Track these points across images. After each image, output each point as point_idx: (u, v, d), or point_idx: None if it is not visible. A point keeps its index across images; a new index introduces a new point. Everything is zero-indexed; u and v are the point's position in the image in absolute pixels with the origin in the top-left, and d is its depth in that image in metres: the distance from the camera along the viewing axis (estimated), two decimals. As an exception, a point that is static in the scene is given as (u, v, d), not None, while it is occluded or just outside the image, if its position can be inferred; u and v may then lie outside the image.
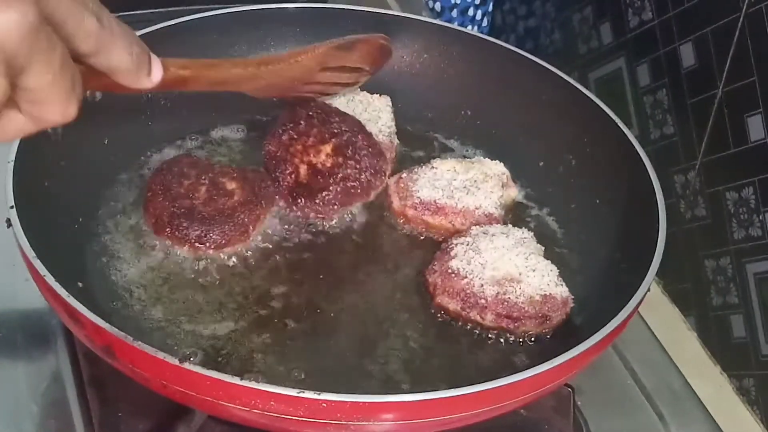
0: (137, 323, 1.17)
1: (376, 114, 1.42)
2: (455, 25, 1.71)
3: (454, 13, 1.94)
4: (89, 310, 1.02)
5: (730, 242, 1.38)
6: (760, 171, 1.32)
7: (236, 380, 0.96)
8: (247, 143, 1.45)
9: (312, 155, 1.32)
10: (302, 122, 1.34)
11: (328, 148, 1.32)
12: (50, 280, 1.04)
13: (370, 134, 1.35)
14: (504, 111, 1.49)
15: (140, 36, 1.33)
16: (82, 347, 1.19)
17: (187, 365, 0.97)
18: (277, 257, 1.28)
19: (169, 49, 1.39)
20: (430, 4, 1.95)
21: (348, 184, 1.31)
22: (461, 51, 1.52)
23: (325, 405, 0.96)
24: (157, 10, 1.62)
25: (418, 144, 1.49)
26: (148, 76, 0.94)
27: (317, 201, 1.30)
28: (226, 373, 0.97)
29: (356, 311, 1.23)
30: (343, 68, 1.36)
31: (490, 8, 1.94)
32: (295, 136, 1.33)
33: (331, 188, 1.30)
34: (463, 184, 1.34)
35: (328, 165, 1.31)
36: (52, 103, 0.80)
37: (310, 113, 1.35)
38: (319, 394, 0.96)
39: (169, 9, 1.58)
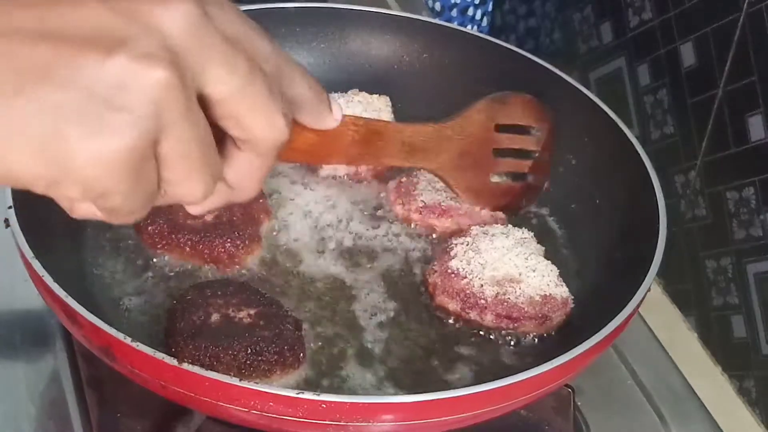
0: (136, 324, 1.17)
1: (375, 114, 1.41)
2: (455, 25, 1.71)
3: (454, 12, 1.94)
4: (87, 311, 1.01)
5: (730, 242, 1.38)
6: (760, 171, 1.32)
7: (235, 381, 0.95)
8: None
9: None
10: None
11: None
12: (48, 280, 1.04)
13: None
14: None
15: None
16: (81, 348, 1.19)
17: (186, 366, 0.96)
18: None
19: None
20: (430, 3, 1.95)
21: None
22: (462, 51, 1.52)
23: (324, 406, 0.95)
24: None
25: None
26: (330, 112, 0.88)
27: None
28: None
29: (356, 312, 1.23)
30: (514, 128, 1.32)
31: (490, 8, 1.94)
32: None
33: None
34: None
35: None
36: (251, 114, 0.74)
37: None
38: (318, 394, 0.95)
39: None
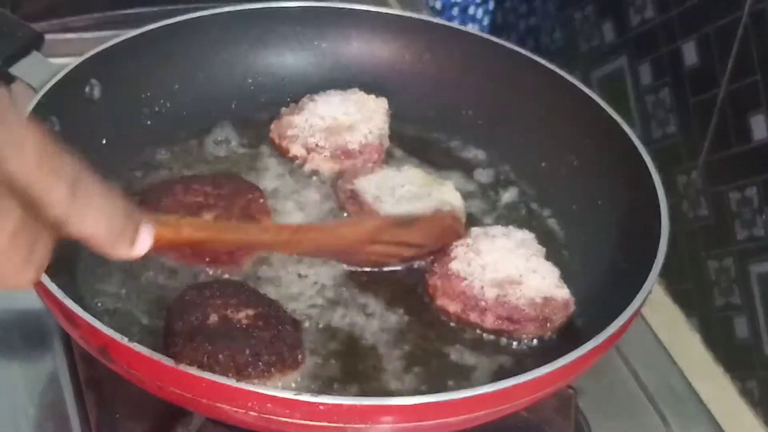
0: (134, 324, 1.16)
1: (368, 115, 1.41)
2: (456, 24, 1.71)
3: (455, 11, 1.94)
4: (84, 311, 1.01)
5: (733, 242, 1.38)
6: (763, 171, 1.32)
7: (232, 382, 0.95)
8: (246, 146, 1.44)
9: None
10: None
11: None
12: (46, 280, 1.04)
13: None
14: (505, 111, 1.48)
15: (140, 34, 1.38)
16: (80, 349, 1.18)
17: (183, 367, 0.96)
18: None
19: (170, 48, 1.42)
20: (431, 2, 1.95)
21: None
22: (463, 50, 1.52)
23: (322, 407, 0.95)
24: (157, 9, 1.61)
25: (419, 144, 1.48)
26: (129, 247, 0.85)
27: None
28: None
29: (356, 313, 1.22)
30: (399, 243, 1.24)
31: (491, 6, 1.94)
32: None
33: None
34: (409, 194, 1.33)
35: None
36: (1, 272, 0.74)
37: None
38: (315, 396, 0.95)
39: (169, 8, 1.57)
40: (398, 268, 1.27)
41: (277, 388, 0.98)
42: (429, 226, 1.26)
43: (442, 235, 1.27)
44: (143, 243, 0.86)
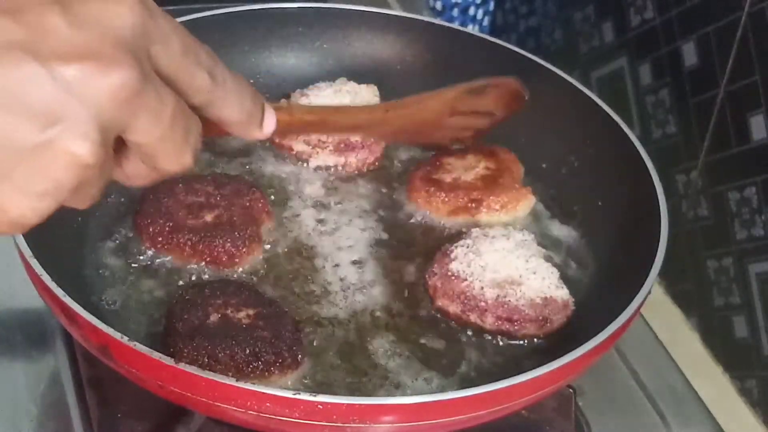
0: (135, 323, 1.16)
1: (362, 103, 1.41)
2: (457, 25, 1.71)
3: (455, 12, 1.94)
4: (85, 310, 1.01)
5: (732, 242, 1.38)
6: (762, 171, 1.32)
7: (232, 381, 0.95)
8: (248, 145, 1.44)
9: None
10: None
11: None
12: (47, 279, 1.04)
13: None
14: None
15: None
16: (81, 348, 1.19)
17: (182, 366, 0.96)
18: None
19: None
20: (431, 2, 1.95)
21: None
22: (464, 51, 1.52)
23: (320, 407, 0.95)
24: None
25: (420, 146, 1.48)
26: (259, 128, 0.92)
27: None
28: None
29: (356, 313, 1.22)
30: (474, 113, 1.33)
31: (491, 7, 1.94)
32: None
33: None
34: None
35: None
36: (164, 156, 0.78)
37: None
38: (314, 395, 0.95)
39: (169, 8, 1.57)
40: (398, 268, 1.28)
41: (276, 388, 0.98)
42: (499, 92, 1.33)
43: (511, 100, 1.34)
44: (270, 124, 0.93)
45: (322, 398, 0.95)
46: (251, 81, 1.41)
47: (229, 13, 1.48)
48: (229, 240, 1.24)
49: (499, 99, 1.34)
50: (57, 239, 1.18)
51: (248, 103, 0.88)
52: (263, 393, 0.95)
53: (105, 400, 1.17)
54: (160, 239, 1.24)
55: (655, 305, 1.43)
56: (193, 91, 0.80)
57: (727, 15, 1.35)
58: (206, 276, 1.23)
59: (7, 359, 1.25)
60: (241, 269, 1.24)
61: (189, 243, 1.23)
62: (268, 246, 1.28)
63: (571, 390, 1.21)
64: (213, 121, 0.86)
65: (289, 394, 0.95)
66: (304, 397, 0.95)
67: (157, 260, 1.24)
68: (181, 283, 1.21)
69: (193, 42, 0.80)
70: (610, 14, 1.58)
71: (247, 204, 1.28)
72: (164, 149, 0.77)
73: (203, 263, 1.24)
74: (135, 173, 0.81)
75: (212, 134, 0.90)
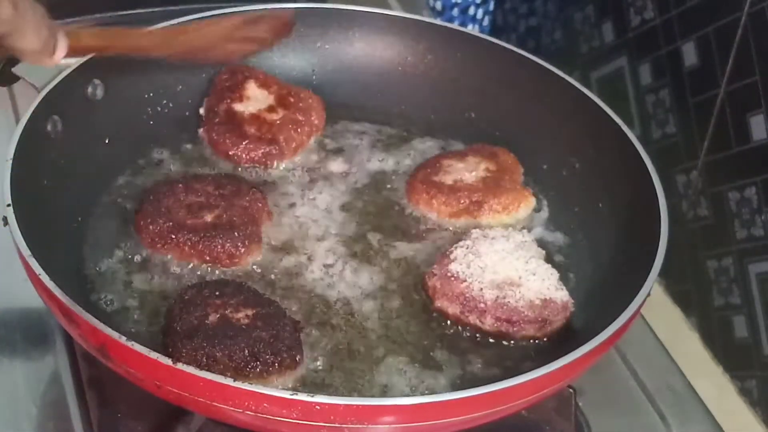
0: (134, 323, 1.16)
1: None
2: (458, 26, 1.71)
3: (455, 12, 1.94)
4: (83, 310, 1.02)
5: (732, 242, 1.38)
6: (762, 171, 1.32)
7: (229, 381, 0.96)
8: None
9: None
10: None
11: None
12: (45, 278, 1.04)
13: None
14: (507, 113, 1.48)
15: None
16: (81, 348, 1.19)
17: (180, 366, 0.96)
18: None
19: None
20: (431, 2, 1.95)
21: None
22: (465, 52, 1.52)
23: (318, 407, 0.95)
24: (159, 10, 1.61)
25: (423, 145, 1.48)
26: (51, 56, 1.04)
27: None
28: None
29: (355, 314, 1.23)
30: (248, 39, 1.40)
31: (491, 7, 1.94)
32: None
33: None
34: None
35: None
36: None
37: None
38: (312, 396, 0.95)
39: (169, 8, 1.57)
40: (398, 268, 1.28)
41: (274, 388, 0.99)
42: (272, 23, 1.42)
43: (281, 29, 1.44)
44: (60, 52, 1.07)
45: (319, 399, 0.95)
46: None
47: (230, 14, 1.47)
48: (228, 240, 1.24)
49: (272, 29, 1.42)
50: (56, 239, 1.18)
51: (45, 33, 0.99)
52: (261, 393, 0.96)
53: (105, 401, 1.17)
54: (159, 239, 1.24)
55: (655, 305, 1.43)
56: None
57: (727, 15, 1.35)
58: (206, 276, 1.23)
59: (7, 359, 1.25)
60: (241, 269, 1.24)
61: (189, 243, 1.23)
62: (268, 246, 1.28)
63: (571, 390, 1.21)
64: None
65: (286, 395, 0.96)
66: (302, 397, 0.95)
67: (157, 260, 1.24)
68: (180, 283, 1.21)
69: None
70: (610, 14, 1.58)
71: (247, 204, 1.28)
72: None
73: (203, 263, 1.24)
74: None
75: None
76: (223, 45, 1.38)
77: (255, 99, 1.44)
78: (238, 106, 1.42)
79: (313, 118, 1.44)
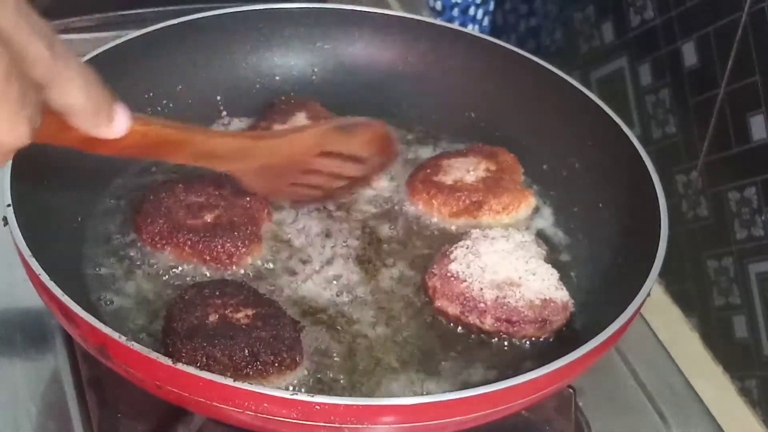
0: (134, 323, 1.16)
1: None
2: (459, 26, 1.71)
3: (455, 12, 1.94)
4: (83, 310, 1.01)
5: (732, 242, 1.38)
6: (762, 171, 1.32)
7: (229, 381, 0.95)
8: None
9: None
10: None
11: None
12: (45, 278, 1.04)
13: None
14: (508, 113, 1.48)
15: (143, 35, 1.38)
16: (81, 348, 1.19)
17: (180, 366, 0.96)
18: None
19: (172, 49, 1.42)
20: (431, 2, 1.95)
21: None
22: (466, 53, 1.52)
23: (318, 407, 0.95)
24: (160, 10, 1.62)
25: (423, 146, 1.48)
26: (109, 123, 0.89)
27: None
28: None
29: (355, 314, 1.23)
30: (342, 156, 1.27)
31: (491, 7, 1.94)
32: None
33: None
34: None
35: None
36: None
37: None
38: (312, 396, 0.95)
39: (170, 8, 1.58)
40: (398, 268, 1.28)
41: (274, 388, 0.98)
42: (368, 134, 1.28)
43: (381, 145, 1.30)
44: (121, 122, 0.90)
45: (319, 399, 0.95)
46: (253, 81, 1.49)
47: (231, 14, 1.48)
48: (228, 240, 1.24)
49: (370, 141, 1.29)
50: (56, 239, 1.18)
51: (96, 91, 0.85)
52: (261, 393, 0.96)
53: (105, 400, 1.17)
54: (160, 239, 1.24)
55: (655, 305, 1.43)
56: (31, 58, 0.78)
57: (727, 15, 1.35)
58: (206, 276, 1.23)
59: (8, 359, 1.25)
60: (241, 269, 1.24)
61: (189, 242, 1.23)
62: (268, 246, 1.28)
63: (571, 390, 1.21)
64: (58, 113, 0.84)
65: (286, 395, 0.95)
66: (302, 397, 0.95)
67: (157, 260, 1.24)
68: (180, 283, 1.21)
69: (31, 11, 0.79)
70: (610, 14, 1.58)
71: (247, 204, 1.28)
72: None
73: (203, 263, 1.24)
74: None
75: (65, 140, 0.89)
76: (315, 161, 1.23)
77: (295, 123, 1.42)
78: (277, 127, 1.40)
79: None
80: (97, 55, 1.33)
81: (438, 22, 1.63)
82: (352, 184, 1.34)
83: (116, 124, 0.90)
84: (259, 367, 1.09)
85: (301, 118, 1.42)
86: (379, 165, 1.33)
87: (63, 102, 0.83)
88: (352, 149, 1.28)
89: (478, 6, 1.94)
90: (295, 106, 1.43)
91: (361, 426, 0.98)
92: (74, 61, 0.82)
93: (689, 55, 1.42)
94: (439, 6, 1.94)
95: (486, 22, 1.96)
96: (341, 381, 1.13)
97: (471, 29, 1.91)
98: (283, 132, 1.26)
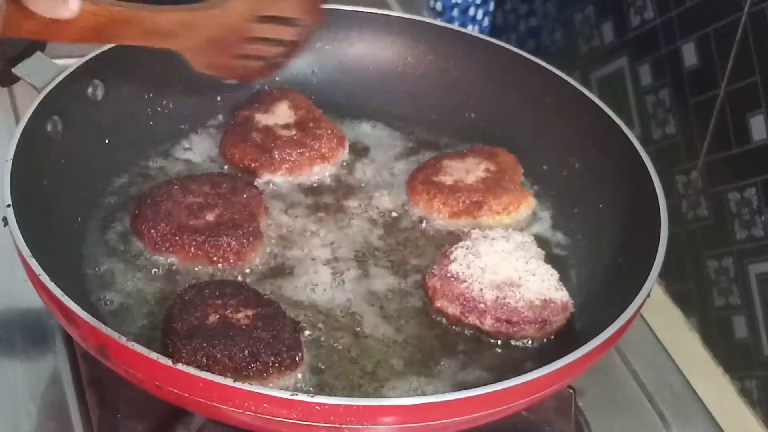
0: (134, 324, 1.17)
1: None
2: (459, 27, 1.71)
3: (455, 12, 1.94)
4: (83, 310, 1.02)
5: (732, 243, 1.38)
6: (762, 171, 1.32)
7: (229, 382, 0.96)
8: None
9: None
10: None
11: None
12: (45, 278, 1.04)
13: None
14: (508, 114, 1.48)
15: None
16: (81, 348, 1.19)
17: (179, 366, 0.96)
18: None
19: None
20: (431, 3, 1.95)
21: None
22: (465, 53, 1.52)
23: (318, 408, 0.95)
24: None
25: (424, 147, 1.48)
26: (64, 3, 0.96)
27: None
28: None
29: (355, 314, 1.22)
30: (276, 19, 1.31)
31: (491, 8, 1.94)
32: None
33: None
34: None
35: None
36: None
37: None
38: (312, 396, 0.95)
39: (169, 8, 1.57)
40: (398, 269, 1.28)
41: (274, 388, 0.98)
42: None
43: (312, 5, 1.34)
44: (75, 2, 0.98)
45: (319, 399, 0.95)
46: (255, 84, 1.48)
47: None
48: (234, 238, 1.24)
49: (297, 3, 1.33)
50: (57, 239, 1.18)
51: None
52: (260, 394, 0.96)
53: (105, 401, 1.17)
54: (163, 242, 1.24)
55: (655, 305, 1.43)
56: None
57: (727, 15, 1.35)
58: (205, 276, 1.23)
59: (8, 359, 1.25)
60: (240, 269, 1.25)
61: (194, 243, 1.23)
62: (267, 245, 1.28)
63: (571, 390, 1.21)
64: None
65: (286, 395, 0.96)
66: (302, 398, 0.95)
67: (157, 260, 1.24)
68: (180, 283, 1.21)
69: None
70: (610, 14, 1.58)
71: (245, 201, 1.28)
72: None
73: (208, 263, 1.24)
74: None
75: (28, 28, 0.95)
76: (254, 27, 1.28)
77: (278, 115, 1.43)
78: (258, 116, 1.42)
79: (323, 149, 1.41)
80: (97, 55, 1.34)
81: (438, 22, 1.63)
82: (290, 50, 1.36)
83: (71, 3, 0.97)
84: (259, 367, 1.08)
85: (283, 108, 1.43)
86: (309, 27, 1.35)
87: None
88: (283, 11, 1.31)
89: (478, 6, 1.94)
90: (278, 97, 1.45)
91: (360, 426, 0.98)
92: None
93: (689, 55, 1.42)
94: (439, 6, 1.94)
95: (486, 22, 1.96)
96: (341, 381, 1.13)
97: (471, 30, 1.91)
98: (217, 2, 1.27)
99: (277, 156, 1.38)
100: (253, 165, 1.38)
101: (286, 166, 1.39)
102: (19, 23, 0.98)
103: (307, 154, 1.40)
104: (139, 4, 1.17)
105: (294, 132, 1.41)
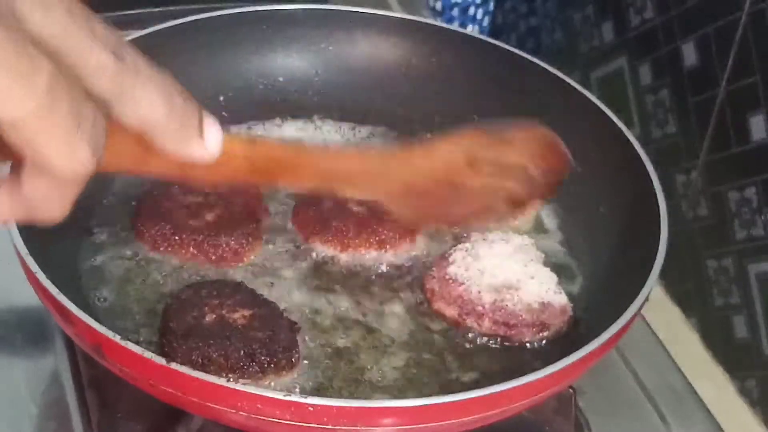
0: (131, 323, 1.17)
1: None
2: (457, 25, 1.71)
3: (455, 12, 1.94)
4: (79, 309, 1.02)
5: (732, 242, 1.38)
6: (762, 171, 1.32)
7: (222, 381, 0.96)
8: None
9: None
10: None
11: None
12: (41, 276, 1.05)
13: None
14: (510, 116, 1.47)
15: (144, 35, 1.38)
16: (81, 348, 1.19)
17: (173, 366, 0.97)
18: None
19: (174, 49, 1.42)
20: (431, 2, 1.95)
21: None
22: (470, 55, 1.51)
23: (311, 409, 0.95)
24: (161, 10, 1.62)
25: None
26: (199, 139, 0.72)
27: None
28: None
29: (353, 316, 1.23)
30: (500, 167, 1.03)
31: (491, 7, 1.94)
32: None
33: None
34: None
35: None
36: (47, 141, 0.62)
37: None
38: (305, 397, 0.95)
39: (171, 8, 1.58)
40: (397, 270, 1.28)
41: (267, 389, 0.98)
42: (529, 141, 1.05)
43: (546, 153, 1.06)
44: (214, 137, 0.73)
45: (312, 400, 0.95)
46: (255, 83, 1.49)
47: (234, 14, 1.48)
48: (232, 238, 1.24)
49: (530, 151, 1.06)
50: (54, 237, 1.17)
51: (178, 101, 0.70)
52: (254, 394, 0.96)
53: (105, 401, 1.17)
54: (162, 242, 1.24)
55: (655, 305, 1.42)
56: (92, 68, 0.65)
57: (727, 15, 1.35)
58: (204, 276, 1.23)
59: (7, 359, 1.25)
60: (239, 268, 1.25)
61: (193, 243, 1.23)
62: (267, 244, 1.29)
63: (571, 390, 1.21)
64: (137, 133, 0.69)
65: (279, 396, 0.96)
66: (295, 398, 0.95)
67: (155, 259, 1.24)
68: (177, 282, 1.22)
69: (84, 9, 0.66)
70: (610, 14, 1.58)
71: (245, 201, 1.29)
72: (46, 130, 0.62)
73: (206, 262, 1.24)
74: (39, 191, 0.67)
75: (150, 166, 0.74)
76: (470, 179, 1.00)
77: None
78: None
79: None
80: (97, 56, 1.34)
81: (443, 24, 1.63)
82: (521, 202, 1.08)
83: (209, 140, 0.73)
84: (256, 368, 1.09)
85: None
86: (549, 182, 1.07)
87: (138, 116, 0.68)
88: (510, 160, 1.04)
89: (478, 6, 1.93)
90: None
91: (354, 428, 0.98)
92: (147, 66, 0.68)
93: (689, 55, 1.42)
94: (439, 6, 1.94)
95: (486, 22, 1.96)
96: (338, 382, 1.13)
97: (471, 29, 1.91)
98: (416, 146, 1.01)
99: None
100: None
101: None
102: (137, 160, 0.75)
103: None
104: (307, 145, 1.00)
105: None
